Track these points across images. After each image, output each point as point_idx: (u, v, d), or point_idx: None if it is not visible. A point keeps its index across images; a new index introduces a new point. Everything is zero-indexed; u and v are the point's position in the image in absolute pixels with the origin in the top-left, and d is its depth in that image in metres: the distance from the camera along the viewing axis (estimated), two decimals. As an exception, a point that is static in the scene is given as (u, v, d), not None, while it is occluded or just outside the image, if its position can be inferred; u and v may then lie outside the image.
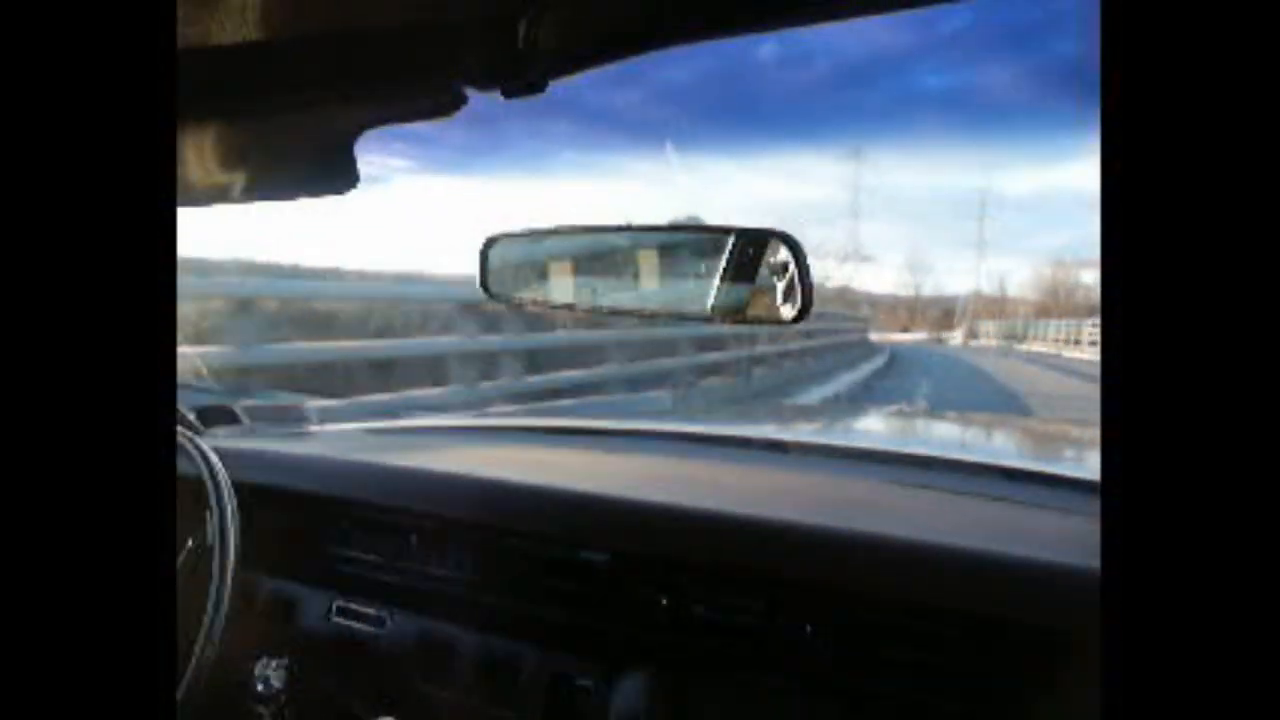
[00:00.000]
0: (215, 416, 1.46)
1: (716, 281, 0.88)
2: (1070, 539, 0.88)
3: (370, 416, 1.94)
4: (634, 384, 6.62)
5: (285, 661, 1.14)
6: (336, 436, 1.52)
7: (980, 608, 0.82)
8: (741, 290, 0.86)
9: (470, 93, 0.66)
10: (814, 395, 9.44)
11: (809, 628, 0.88)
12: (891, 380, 12.46)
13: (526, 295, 1.02)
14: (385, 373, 4.79)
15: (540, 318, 5.80)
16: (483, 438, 1.61)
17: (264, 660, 1.14)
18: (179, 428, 1.22)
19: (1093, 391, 0.42)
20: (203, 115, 0.66)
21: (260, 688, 1.13)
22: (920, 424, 2.16)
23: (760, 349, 9.84)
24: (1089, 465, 1.31)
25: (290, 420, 1.58)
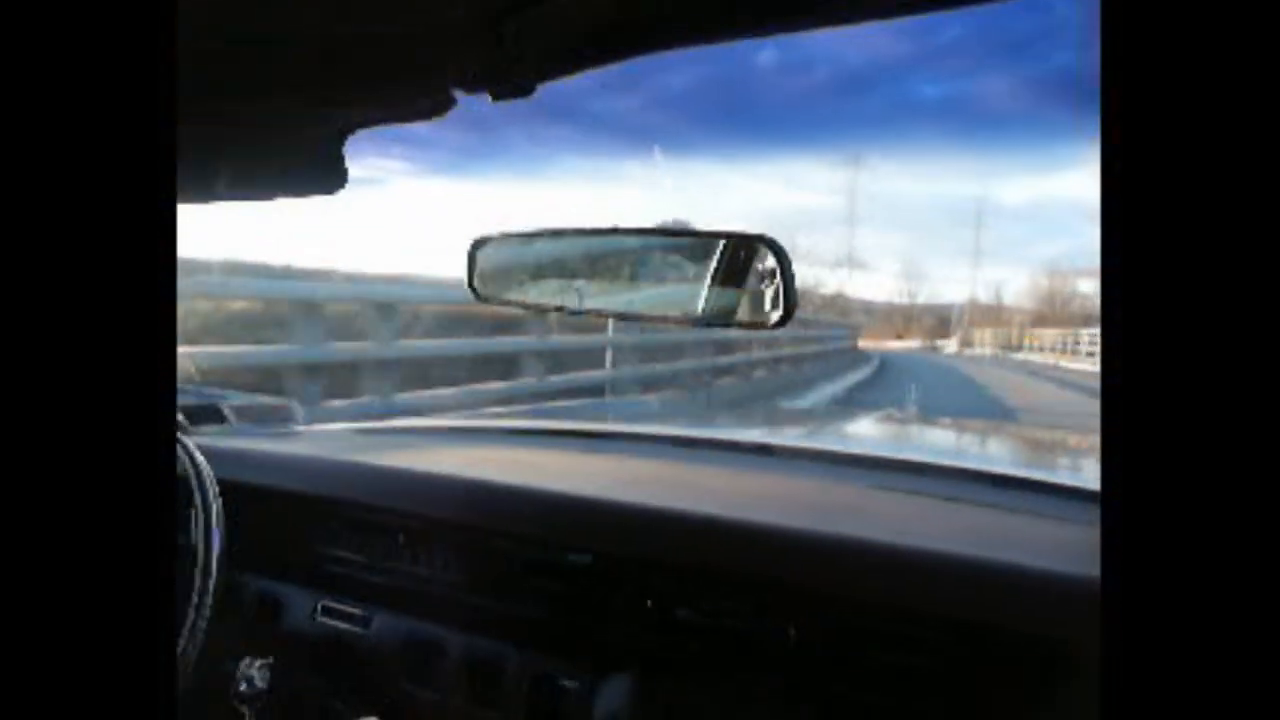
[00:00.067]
0: (202, 415, 1.46)
1: (706, 286, 0.89)
2: (1058, 546, 0.89)
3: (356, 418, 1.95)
4: (574, 393, 6.08)
5: (269, 661, 1.15)
6: (323, 436, 1.53)
7: (967, 613, 0.82)
8: (730, 295, 0.88)
9: (460, 95, 0.68)
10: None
11: (793, 631, 0.88)
12: (875, 393, 11.46)
13: (514, 297, 1.03)
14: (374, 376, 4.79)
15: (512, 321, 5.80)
16: (469, 439, 1.62)
17: (247, 660, 1.14)
18: None
19: (1095, 407, 0.42)
20: (192, 115, 0.67)
21: (243, 687, 1.13)
22: (909, 429, 2.17)
23: (725, 358, 8.94)
24: (1079, 472, 1.32)
25: (277, 420, 1.58)
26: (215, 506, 1.10)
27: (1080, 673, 0.74)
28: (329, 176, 0.76)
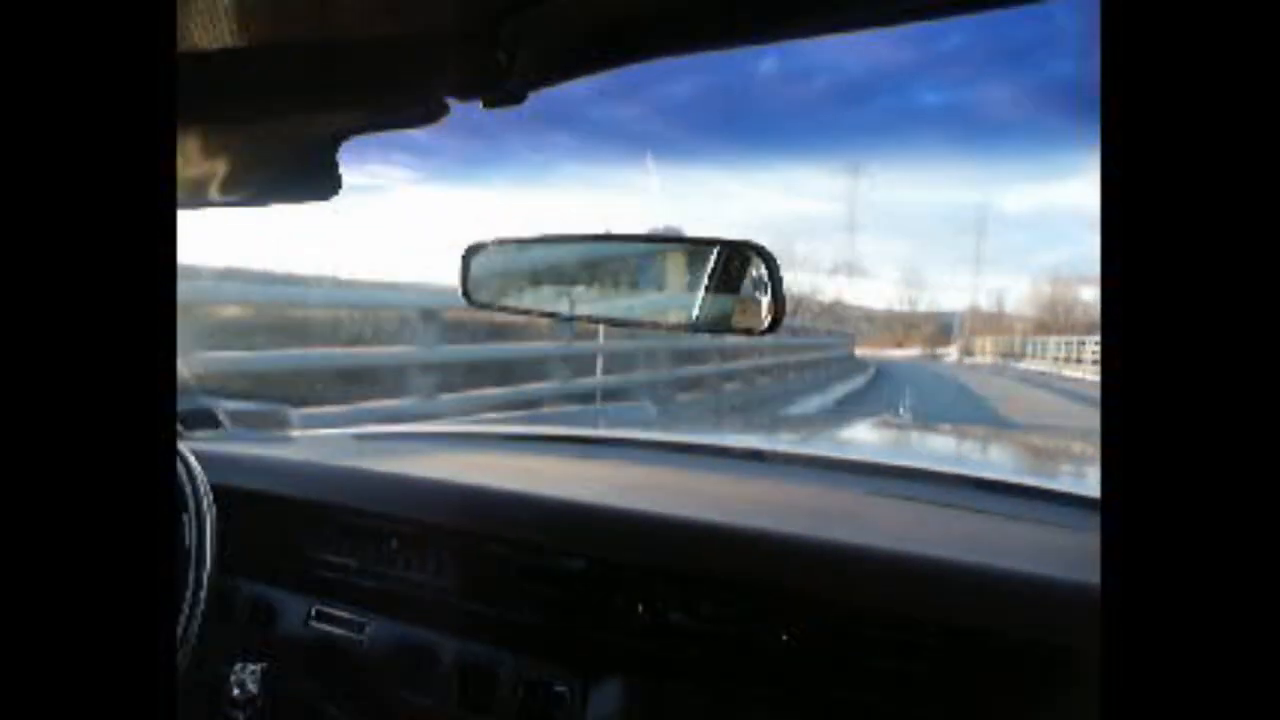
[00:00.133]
0: (196, 420, 1.47)
1: (699, 292, 0.91)
2: (1055, 552, 0.89)
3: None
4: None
5: (262, 666, 1.15)
6: (318, 441, 1.54)
7: (962, 619, 0.82)
8: (722, 301, 0.89)
9: (452, 102, 0.69)
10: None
11: (785, 636, 0.89)
12: (866, 407, 10.68)
13: (508, 303, 1.04)
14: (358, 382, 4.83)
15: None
16: (463, 444, 1.62)
17: (240, 665, 1.15)
18: None
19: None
20: (188, 121, 0.68)
21: (236, 692, 1.14)
22: (903, 435, 2.17)
23: (689, 369, 7.86)
24: (1073, 479, 1.33)
25: (272, 425, 1.59)
26: (208, 511, 1.11)
27: (1078, 679, 0.74)
28: (324, 183, 0.77)
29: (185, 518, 1.10)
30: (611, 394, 6.56)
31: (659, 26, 0.60)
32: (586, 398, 6.31)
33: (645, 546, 1.00)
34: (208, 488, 1.13)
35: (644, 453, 1.50)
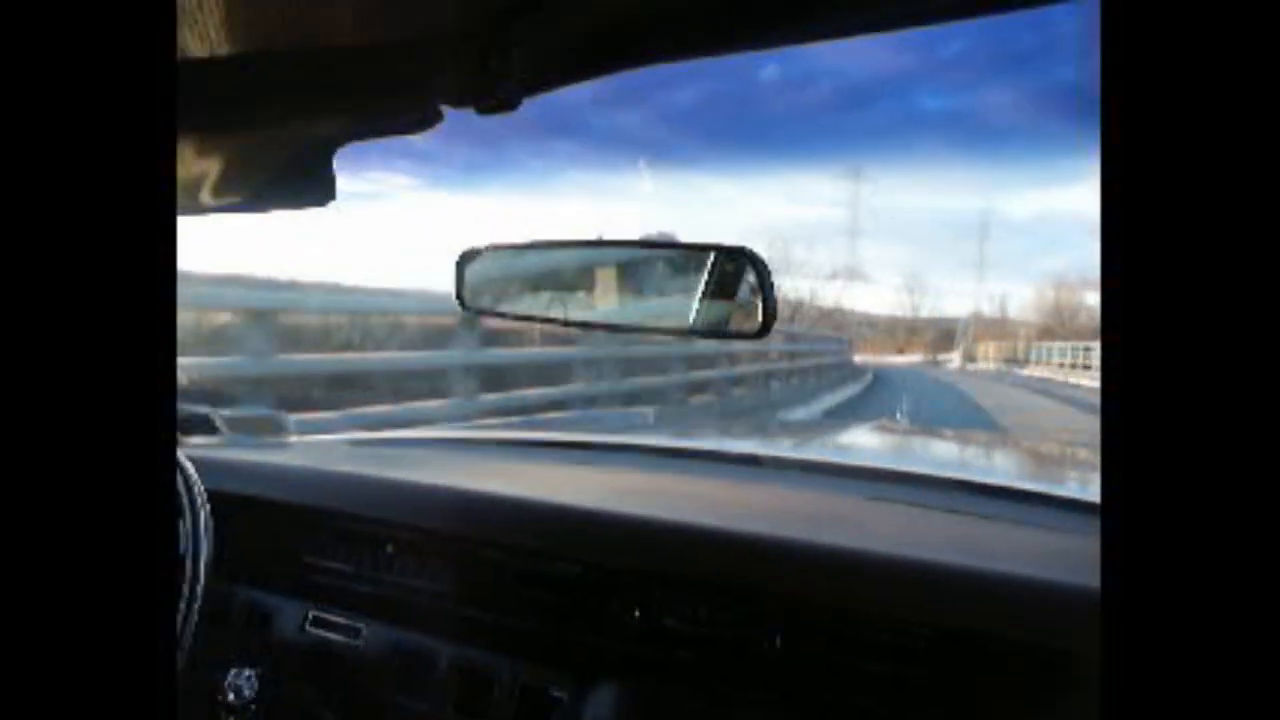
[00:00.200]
0: (193, 425, 1.48)
1: (693, 297, 0.92)
2: (1049, 556, 0.90)
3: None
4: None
5: (257, 671, 1.16)
6: (314, 447, 1.55)
7: (956, 622, 0.83)
8: (717, 306, 0.90)
9: (447, 108, 0.70)
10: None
11: (781, 640, 0.89)
12: (854, 420, 9.37)
13: (503, 309, 1.05)
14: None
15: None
16: (460, 450, 1.63)
17: (235, 669, 1.16)
18: None
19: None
20: (183, 127, 0.68)
21: (231, 697, 1.14)
22: (901, 439, 2.18)
23: (648, 380, 7.49)
24: (1070, 483, 1.34)
25: (268, 430, 1.60)
26: (204, 516, 1.12)
27: (1076, 683, 0.75)
28: (318, 189, 0.77)
29: (181, 523, 1.11)
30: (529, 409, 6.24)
31: (653, 32, 0.60)
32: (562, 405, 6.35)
33: (641, 551, 1.00)
34: (203, 493, 1.13)
35: (638, 458, 1.51)
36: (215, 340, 4.50)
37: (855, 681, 0.86)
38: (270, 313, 4.35)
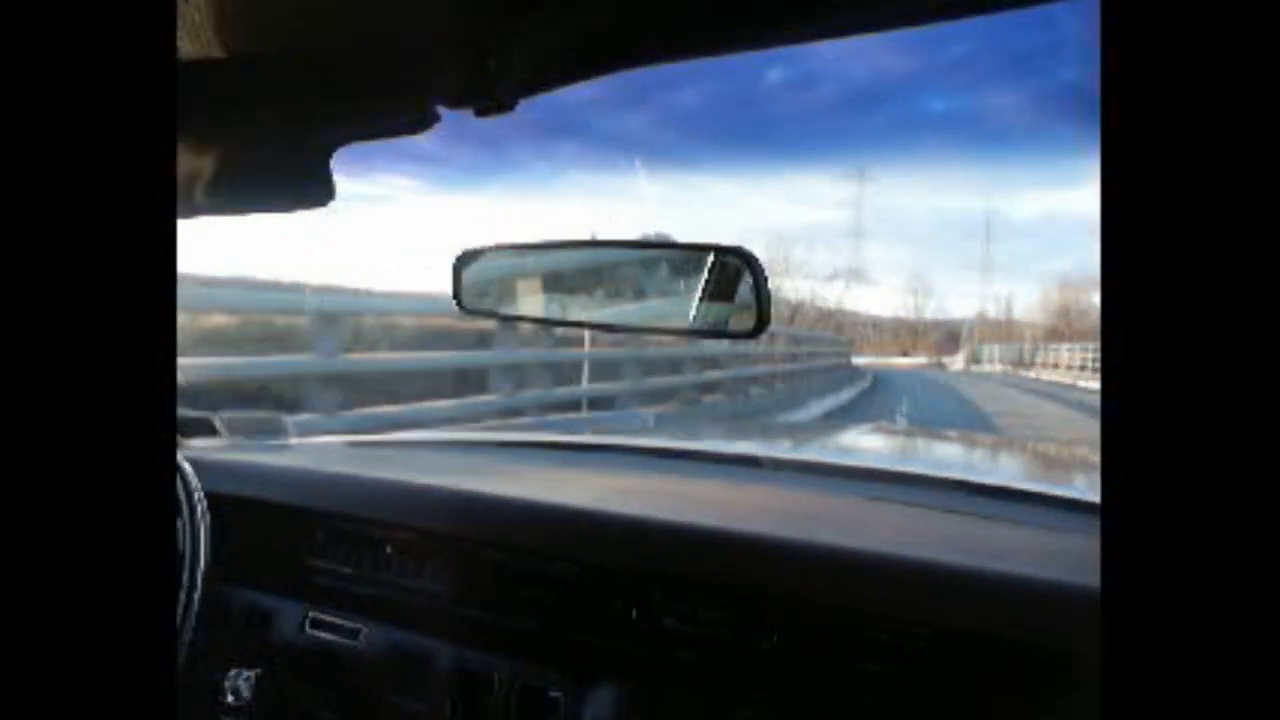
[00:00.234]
0: (193, 427, 1.49)
1: (692, 297, 0.93)
2: (1048, 555, 0.90)
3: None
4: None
5: (256, 672, 1.17)
6: (313, 449, 1.56)
7: (955, 622, 0.83)
8: (715, 306, 0.91)
9: (443, 110, 0.70)
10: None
11: (780, 640, 0.90)
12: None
13: (500, 309, 1.05)
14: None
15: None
16: (459, 451, 1.64)
17: (234, 671, 1.17)
18: None
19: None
20: (179, 129, 0.69)
21: (230, 698, 1.15)
22: (899, 440, 2.19)
23: (605, 385, 7.13)
24: (1069, 483, 1.34)
25: (267, 432, 1.61)
26: (203, 518, 1.13)
27: (1076, 683, 0.75)
28: (314, 191, 0.78)
29: (179, 524, 1.12)
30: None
31: (651, 32, 0.60)
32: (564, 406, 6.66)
33: (639, 551, 1.01)
34: (202, 494, 1.14)
35: (636, 458, 1.52)
36: (287, 341, 5.03)
37: (854, 681, 0.86)
38: (338, 316, 4.83)
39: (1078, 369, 22.50)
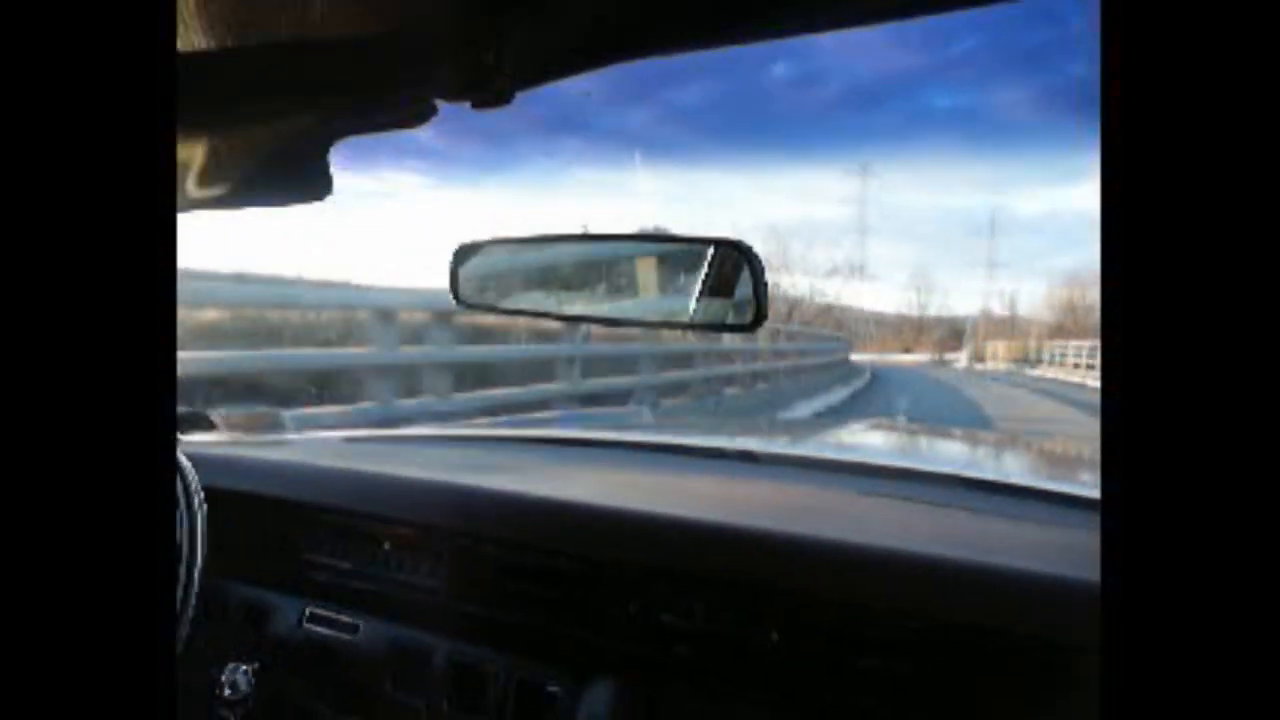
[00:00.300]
0: (190, 422, 1.50)
1: (690, 290, 0.93)
2: (1047, 550, 0.91)
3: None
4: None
5: (253, 666, 1.18)
6: (311, 444, 1.56)
7: (955, 616, 0.83)
8: (715, 299, 0.91)
9: (441, 103, 0.71)
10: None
11: (778, 636, 0.90)
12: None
13: (498, 304, 1.06)
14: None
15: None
16: (457, 446, 1.64)
17: (232, 665, 1.18)
18: None
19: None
20: (177, 122, 0.70)
21: (228, 692, 1.16)
22: (898, 436, 2.19)
23: (544, 385, 6.65)
24: (1066, 479, 1.35)
25: (265, 427, 1.62)
26: (199, 512, 1.13)
27: (1076, 677, 0.76)
28: (312, 185, 0.78)
29: (177, 518, 1.13)
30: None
31: (648, 25, 0.61)
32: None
33: (637, 546, 1.01)
34: (199, 489, 1.15)
35: (634, 454, 1.52)
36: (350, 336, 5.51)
37: (854, 677, 0.87)
38: (394, 312, 5.11)
39: (1085, 367, 22.00)
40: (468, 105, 0.68)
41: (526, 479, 1.21)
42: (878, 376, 17.69)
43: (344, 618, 1.19)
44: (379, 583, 1.17)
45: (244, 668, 1.17)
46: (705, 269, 0.91)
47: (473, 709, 1.07)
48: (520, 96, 0.67)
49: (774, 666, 0.91)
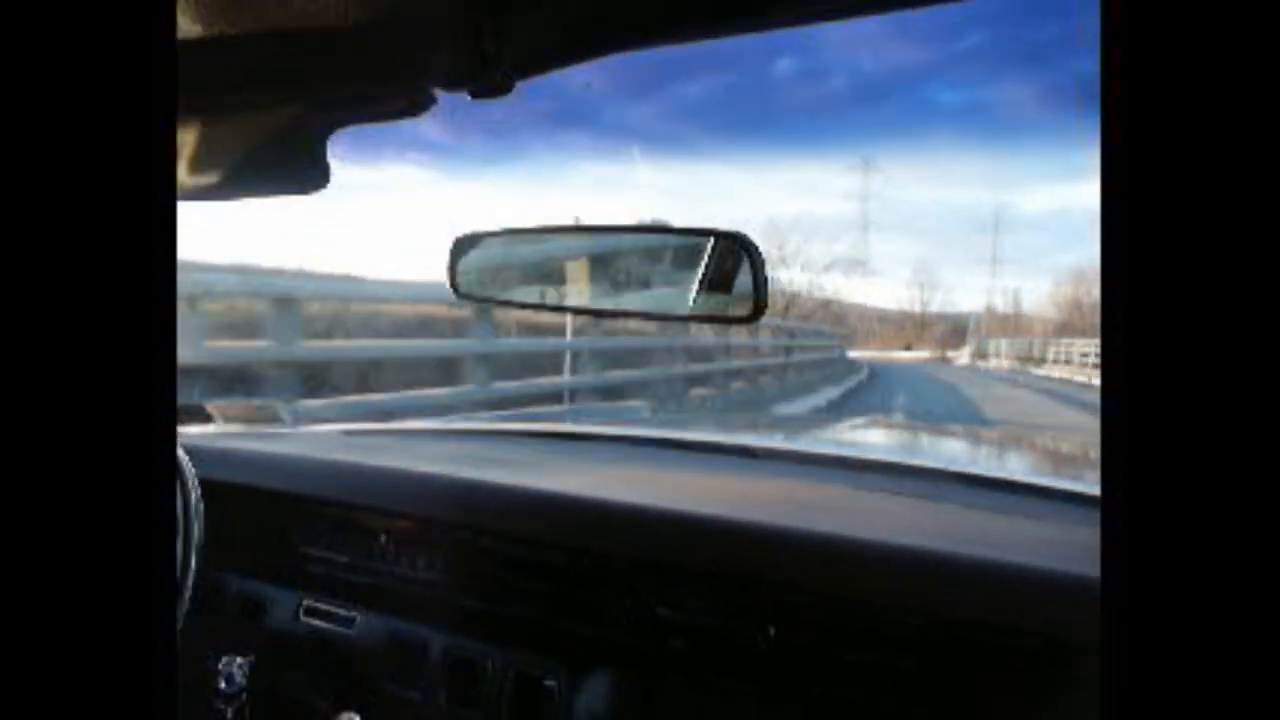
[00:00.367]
0: (188, 414, 1.50)
1: (691, 282, 0.94)
2: (1044, 545, 0.91)
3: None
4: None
5: (250, 659, 1.19)
6: (308, 437, 1.57)
7: (951, 611, 0.84)
8: (714, 291, 0.92)
9: (439, 94, 0.71)
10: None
11: (774, 630, 0.91)
12: None
13: (496, 295, 1.06)
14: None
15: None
16: (454, 440, 1.65)
17: (228, 658, 1.18)
18: None
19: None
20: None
21: (224, 685, 1.17)
22: (894, 433, 2.20)
23: (507, 384, 6.29)
24: (1061, 474, 1.36)
25: (263, 420, 1.62)
26: (195, 505, 1.14)
27: (1072, 671, 0.76)
28: (309, 176, 0.78)
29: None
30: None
31: (649, 14, 0.61)
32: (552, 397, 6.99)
33: (634, 539, 1.02)
34: (196, 481, 1.16)
35: (631, 448, 1.53)
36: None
37: (849, 670, 0.87)
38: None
39: (1092, 366, 21.06)
40: (466, 95, 0.68)
41: (524, 473, 1.21)
42: (875, 375, 17.41)
43: (340, 610, 1.20)
44: (375, 576, 1.17)
45: (240, 660, 1.18)
46: (705, 261, 0.91)
47: (469, 702, 1.08)
48: (523, 90, 0.67)
49: (769, 660, 0.92)
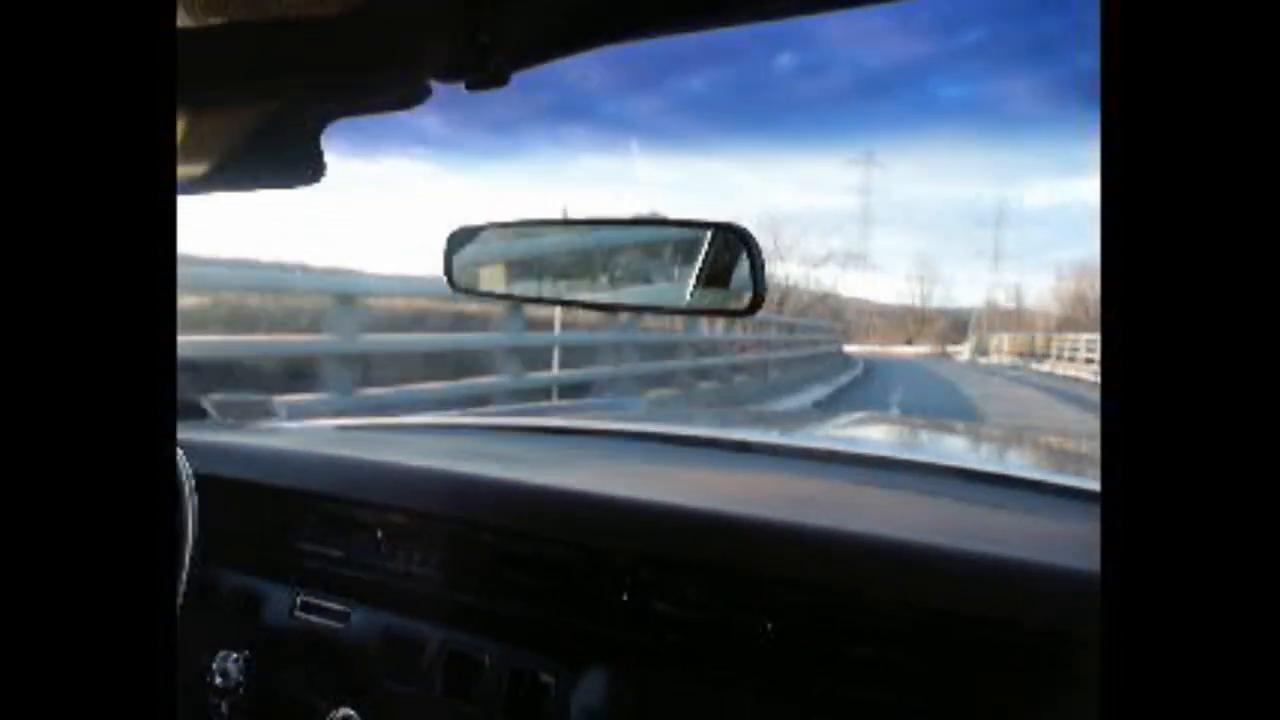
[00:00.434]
0: (182, 410, 1.50)
1: (689, 276, 0.94)
2: (1042, 540, 0.92)
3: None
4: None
5: (244, 655, 1.19)
6: (304, 432, 1.57)
7: (949, 605, 0.84)
8: (713, 284, 0.92)
9: (435, 85, 0.71)
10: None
11: (772, 625, 0.91)
12: None
13: (491, 289, 1.07)
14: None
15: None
16: (450, 434, 1.65)
17: (223, 653, 1.19)
18: None
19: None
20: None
21: (219, 681, 1.17)
22: (890, 428, 2.21)
23: (477, 380, 6.39)
24: (1058, 469, 1.36)
25: (258, 415, 1.62)
26: (191, 501, 1.14)
27: (1071, 667, 0.76)
28: (305, 168, 0.78)
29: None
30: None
31: (644, 4, 0.61)
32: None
33: (630, 533, 1.02)
34: (191, 476, 1.16)
35: (627, 443, 1.53)
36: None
37: (847, 665, 0.88)
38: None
39: (1099, 362, 21.33)
40: (462, 86, 0.68)
41: (519, 467, 1.22)
42: (871, 371, 17.33)
43: (336, 606, 1.20)
44: (371, 571, 1.17)
45: (235, 656, 1.18)
46: (703, 253, 0.92)
47: (466, 697, 1.08)
48: (523, 83, 0.67)
49: (767, 654, 0.92)
